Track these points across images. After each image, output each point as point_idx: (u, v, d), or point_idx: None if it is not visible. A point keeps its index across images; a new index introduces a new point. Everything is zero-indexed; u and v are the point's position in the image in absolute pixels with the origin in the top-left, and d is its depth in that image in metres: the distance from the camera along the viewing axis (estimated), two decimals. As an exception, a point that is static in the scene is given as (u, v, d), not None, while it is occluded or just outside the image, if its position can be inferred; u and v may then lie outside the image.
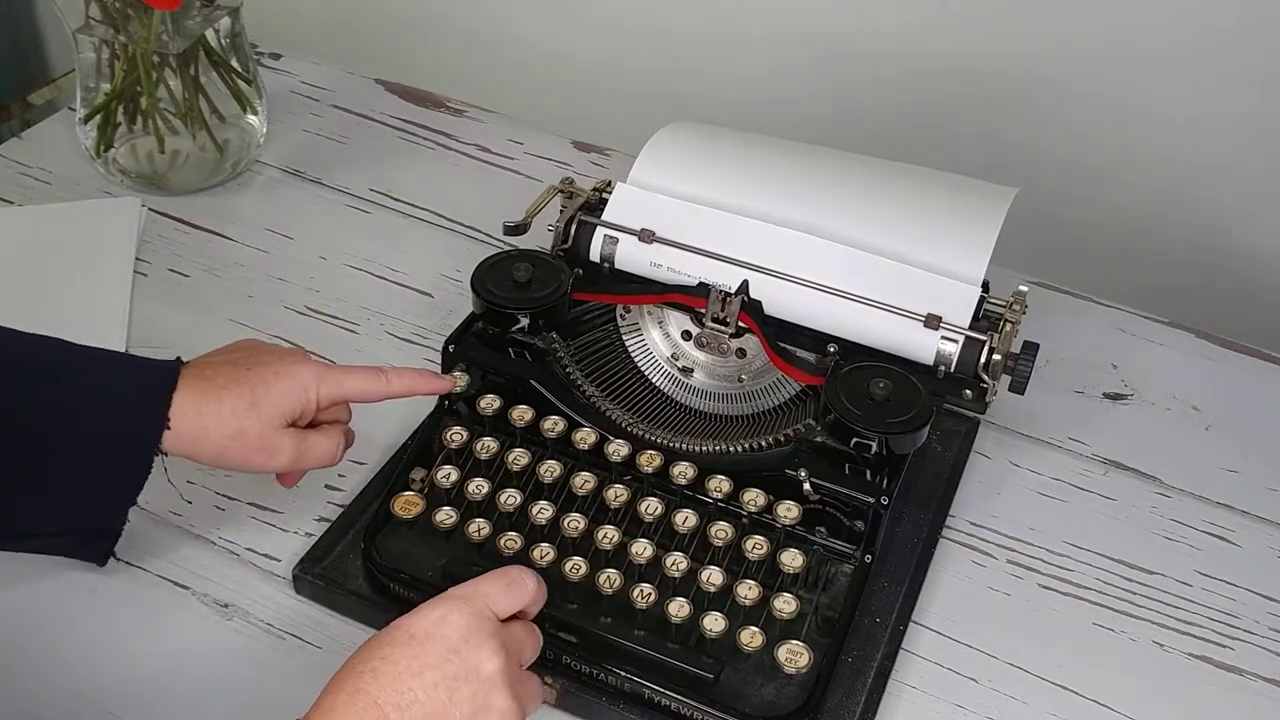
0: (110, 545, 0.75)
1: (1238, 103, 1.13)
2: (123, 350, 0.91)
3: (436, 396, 0.83)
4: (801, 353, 0.84)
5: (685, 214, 0.87)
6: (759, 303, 0.84)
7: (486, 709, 0.58)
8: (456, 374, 0.82)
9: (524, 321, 0.83)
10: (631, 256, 0.87)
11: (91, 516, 0.73)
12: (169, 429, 0.69)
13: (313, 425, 0.76)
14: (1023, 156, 1.22)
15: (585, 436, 0.80)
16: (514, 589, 0.63)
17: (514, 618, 0.64)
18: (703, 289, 0.84)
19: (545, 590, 0.66)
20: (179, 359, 0.73)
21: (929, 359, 0.81)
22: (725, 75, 1.32)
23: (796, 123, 1.25)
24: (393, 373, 0.77)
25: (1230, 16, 1.09)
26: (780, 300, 0.84)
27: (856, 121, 1.28)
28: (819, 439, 0.77)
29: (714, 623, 0.72)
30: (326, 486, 0.84)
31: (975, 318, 0.82)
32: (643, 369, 0.88)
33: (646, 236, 0.87)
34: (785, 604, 0.72)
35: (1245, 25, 1.09)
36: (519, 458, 0.79)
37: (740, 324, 0.84)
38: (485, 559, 0.76)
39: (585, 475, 0.79)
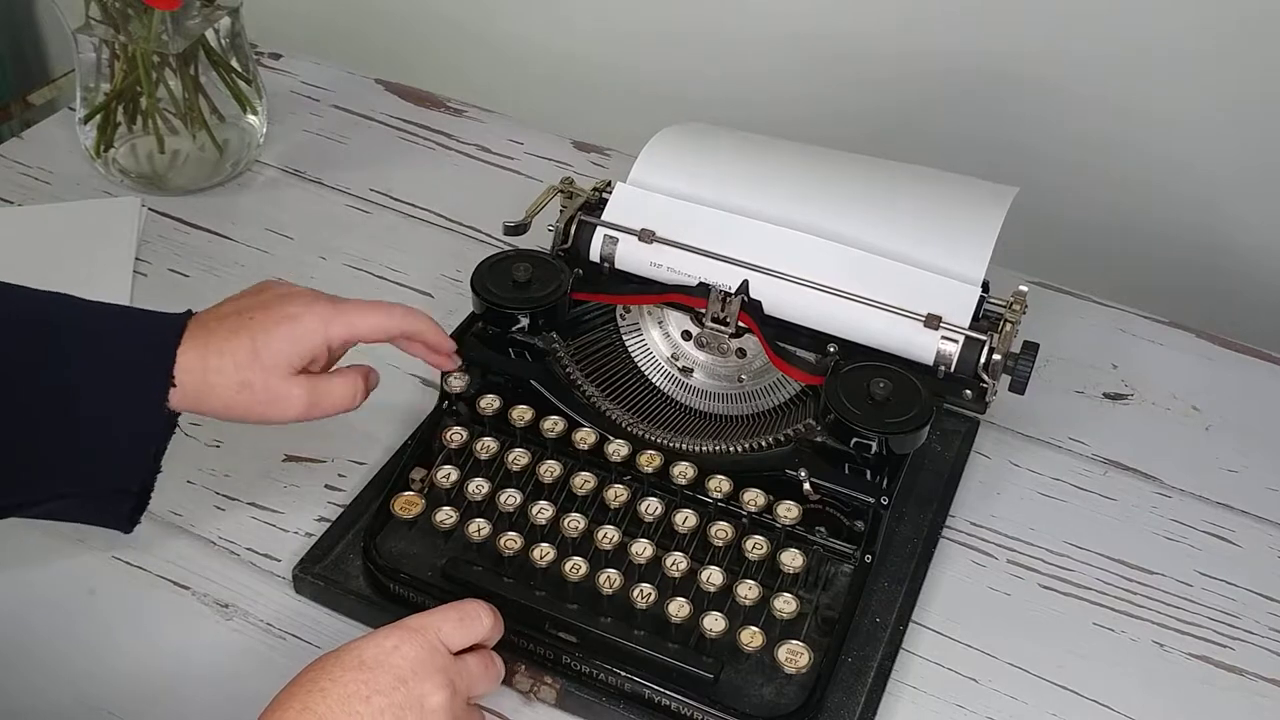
0: (132, 509, 0.72)
1: (1238, 103, 1.13)
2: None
3: (436, 395, 0.83)
4: (801, 353, 0.84)
5: (685, 214, 0.87)
6: (759, 303, 0.84)
7: None
8: (457, 372, 0.81)
9: (524, 321, 0.83)
10: (632, 256, 0.87)
11: (107, 478, 0.70)
12: (174, 387, 0.68)
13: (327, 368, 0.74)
14: (1022, 156, 1.22)
15: (585, 436, 0.80)
16: (468, 623, 0.64)
17: (472, 650, 0.65)
18: (703, 289, 0.84)
19: (502, 624, 0.67)
20: (189, 311, 0.71)
21: (929, 359, 0.81)
22: (724, 76, 1.32)
23: (796, 123, 1.25)
24: (408, 310, 0.75)
25: (1230, 16, 1.09)
26: (780, 300, 0.84)
27: (856, 122, 1.28)
28: (819, 439, 0.77)
29: (714, 623, 0.72)
30: (326, 487, 0.85)
31: (975, 318, 0.82)
32: (643, 369, 0.88)
33: (647, 236, 0.87)
34: (785, 604, 0.72)
35: (1245, 25, 1.09)
36: (519, 458, 0.79)
37: (740, 324, 0.84)
38: (485, 559, 0.76)
39: (585, 475, 0.79)
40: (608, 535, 0.75)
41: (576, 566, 0.74)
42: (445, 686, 0.61)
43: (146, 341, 0.69)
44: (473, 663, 0.65)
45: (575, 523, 0.76)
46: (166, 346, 0.69)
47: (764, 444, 0.79)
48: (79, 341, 0.69)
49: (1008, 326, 0.81)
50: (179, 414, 0.69)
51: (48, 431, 0.68)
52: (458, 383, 0.82)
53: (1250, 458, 0.93)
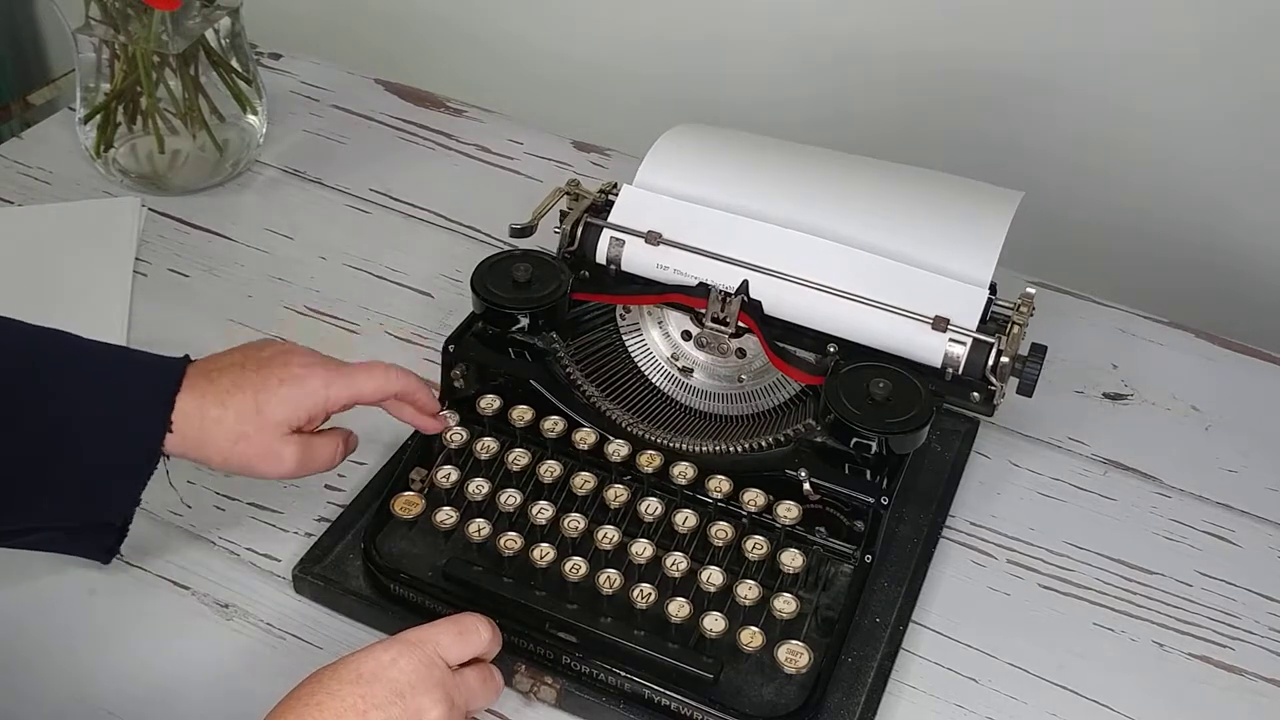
0: (114, 543, 0.75)
1: (1238, 103, 1.13)
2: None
3: (437, 395, 0.83)
4: (801, 353, 0.84)
5: (692, 216, 0.87)
6: (759, 303, 0.84)
7: None
8: (447, 414, 0.82)
9: (524, 321, 0.83)
10: (638, 258, 0.87)
11: (94, 513, 0.72)
12: (171, 432, 0.69)
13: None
14: (1023, 157, 1.22)
15: (585, 436, 0.80)
16: (466, 637, 0.64)
17: (471, 664, 0.65)
18: (702, 289, 0.84)
19: (500, 637, 0.67)
20: (187, 357, 0.72)
21: (936, 361, 0.81)
22: (725, 77, 1.32)
23: (796, 125, 1.25)
24: (401, 371, 0.77)
25: (1230, 16, 1.09)
26: (785, 302, 0.84)
27: (857, 123, 1.28)
28: (819, 439, 0.77)
29: (714, 623, 0.72)
30: (326, 487, 0.84)
31: (983, 320, 0.82)
32: (643, 369, 0.88)
33: (653, 239, 0.86)
34: (785, 604, 0.72)
35: (1245, 25, 1.09)
36: (519, 458, 0.79)
37: (740, 324, 0.84)
38: (485, 559, 0.76)
39: (585, 475, 0.79)
40: (608, 535, 0.75)
41: (576, 566, 0.74)
42: (443, 701, 0.60)
43: (146, 385, 0.70)
44: (471, 676, 0.64)
45: (575, 523, 0.76)
46: (166, 392, 0.69)
47: (764, 444, 0.79)
48: (76, 381, 0.70)
49: (1015, 329, 0.81)
50: (165, 457, 0.70)
51: (40, 468, 0.69)
52: (458, 383, 0.82)
53: (1250, 458, 0.93)
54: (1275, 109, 1.12)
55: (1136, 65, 1.14)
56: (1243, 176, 1.16)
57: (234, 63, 1.08)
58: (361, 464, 0.86)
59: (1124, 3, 1.12)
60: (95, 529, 0.74)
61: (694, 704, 0.70)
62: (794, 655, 0.71)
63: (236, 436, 0.70)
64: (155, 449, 0.69)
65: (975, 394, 0.81)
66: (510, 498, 0.78)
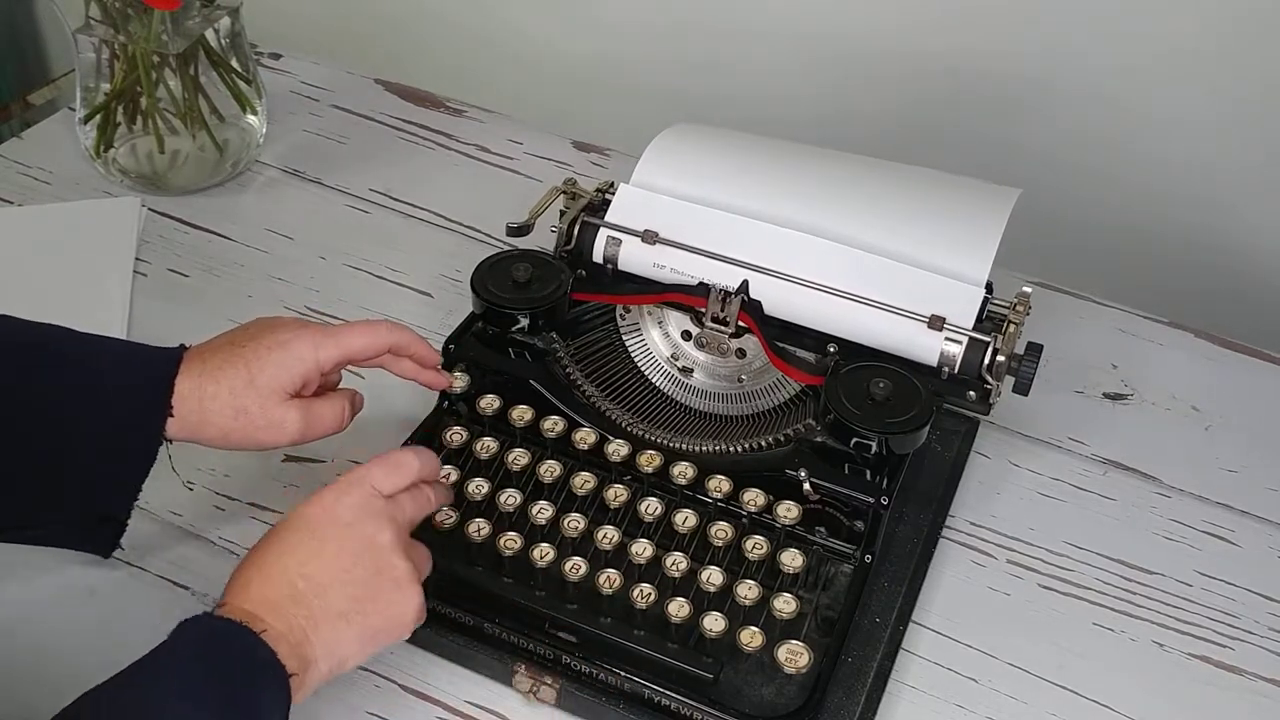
0: (115, 536, 0.74)
1: (1238, 103, 1.13)
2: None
3: (437, 395, 0.83)
4: (801, 353, 0.84)
5: (688, 215, 0.87)
6: (759, 303, 0.84)
7: (387, 568, 0.65)
8: (456, 375, 0.82)
9: (524, 321, 0.83)
10: (635, 258, 0.87)
11: (96, 506, 0.72)
12: (172, 416, 0.69)
13: (316, 393, 0.75)
14: (1023, 157, 1.22)
15: (585, 436, 0.80)
16: (398, 470, 0.68)
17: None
18: (702, 289, 0.84)
19: (434, 460, 0.72)
20: (182, 346, 0.73)
21: (933, 360, 0.81)
22: (725, 76, 1.32)
23: (796, 123, 1.25)
24: (392, 324, 0.77)
25: (1230, 16, 1.09)
26: (782, 301, 0.84)
27: (857, 122, 1.28)
28: (819, 439, 0.77)
29: (714, 623, 0.72)
30: (326, 486, 0.84)
31: (979, 319, 0.82)
32: (642, 369, 0.88)
33: (650, 238, 0.87)
34: (785, 604, 0.72)
35: (1245, 25, 1.09)
36: (519, 458, 0.79)
37: (740, 324, 0.84)
38: (485, 559, 0.76)
39: (585, 475, 0.79)
40: (608, 535, 0.75)
41: (576, 566, 0.74)
42: (389, 525, 0.66)
43: (144, 372, 0.71)
44: (405, 500, 0.68)
45: (575, 523, 0.76)
46: (164, 377, 0.70)
47: (764, 444, 0.79)
48: (77, 373, 0.70)
49: (1011, 328, 0.81)
50: (167, 442, 0.71)
51: (43, 461, 0.69)
52: (458, 383, 0.82)
53: (1250, 458, 0.93)
54: (1275, 109, 1.12)
55: (1136, 65, 1.14)
56: (1243, 176, 1.16)
57: (234, 63, 1.08)
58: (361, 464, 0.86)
59: (1124, 3, 1.12)
60: (99, 522, 0.73)
61: (694, 704, 0.70)
62: (794, 655, 0.71)
63: (235, 411, 0.71)
64: (157, 434, 0.69)
65: (971, 393, 0.81)
66: (510, 498, 0.78)
